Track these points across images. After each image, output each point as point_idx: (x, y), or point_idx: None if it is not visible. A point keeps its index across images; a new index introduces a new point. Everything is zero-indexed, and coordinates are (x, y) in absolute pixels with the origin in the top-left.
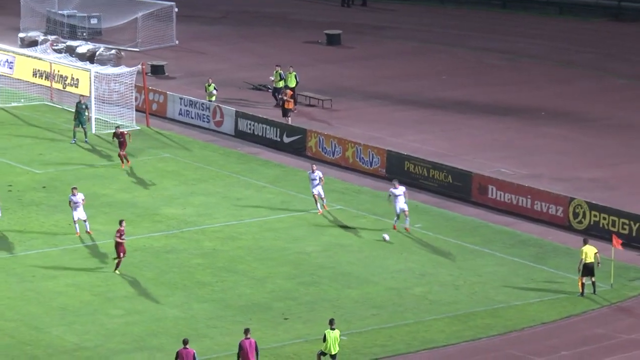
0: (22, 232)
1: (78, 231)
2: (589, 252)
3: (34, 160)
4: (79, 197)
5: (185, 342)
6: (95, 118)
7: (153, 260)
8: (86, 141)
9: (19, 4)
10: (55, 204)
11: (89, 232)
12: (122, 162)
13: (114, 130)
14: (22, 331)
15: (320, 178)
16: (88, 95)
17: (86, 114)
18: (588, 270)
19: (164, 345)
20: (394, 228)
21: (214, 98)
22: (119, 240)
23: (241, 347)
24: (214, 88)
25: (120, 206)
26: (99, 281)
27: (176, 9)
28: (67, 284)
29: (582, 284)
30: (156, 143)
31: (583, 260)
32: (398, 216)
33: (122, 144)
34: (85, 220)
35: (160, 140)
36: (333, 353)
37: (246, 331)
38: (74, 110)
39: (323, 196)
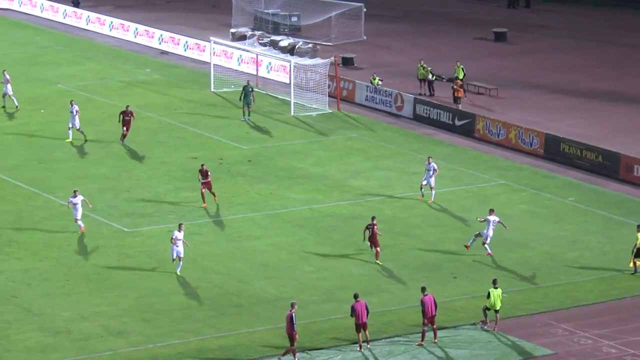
0: (230, 198)
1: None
2: None
3: (242, 138)
4: (79, 198)
5: (355, 296)
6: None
7: (341, 225)
8: (249, 119)
9: (231, 4)
10: (258, 175)
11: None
12: (123, 138)
13: (123, 109)
14: (229, 283)
15: (434, 169)
16: (254, 77)
17: (252, 95)
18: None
19: (349, 299)
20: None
21: None
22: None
23: (353, 309)
24: (379, 80)
25: (313, 178)
26: (295, 242)
27: (365, 9)
28: (268, 244)
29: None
30: (345, 124)
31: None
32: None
33: (126, 123)
34: (78, 220)
35: (349, 122)
36: (497, 308)
37: (356, 295)
38: (241, 92)
39: (433, 186)
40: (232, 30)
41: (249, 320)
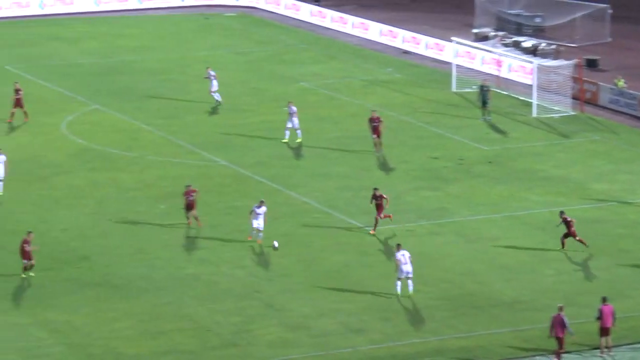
0: (470, 199)
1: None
2: None
3: (482, 139)
4: (262, 209)
5: (604, 299)
6: (537, 104)
7: (582, 229)
8: (488, 119)
9: (474, 4)
10: (498, 177)
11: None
12: (377, 147)
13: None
14: (467, 284)
15: None
16: (490, 78)
17: (488, 94)
18: None
19: (590, 303)
20: None
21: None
22: None
23: (601, 312)
24: (624, 83)
25: (554, 180)
26: (535, 244)
27: (610, 10)
28: (507, 245)
29: None
30: (588, 127)
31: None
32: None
33: (375, 130)
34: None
35: (592, 124)
36: None
37: (604, 299)
38: (478, 92)
39: None
40: (475, 30)
41: (487, 322)
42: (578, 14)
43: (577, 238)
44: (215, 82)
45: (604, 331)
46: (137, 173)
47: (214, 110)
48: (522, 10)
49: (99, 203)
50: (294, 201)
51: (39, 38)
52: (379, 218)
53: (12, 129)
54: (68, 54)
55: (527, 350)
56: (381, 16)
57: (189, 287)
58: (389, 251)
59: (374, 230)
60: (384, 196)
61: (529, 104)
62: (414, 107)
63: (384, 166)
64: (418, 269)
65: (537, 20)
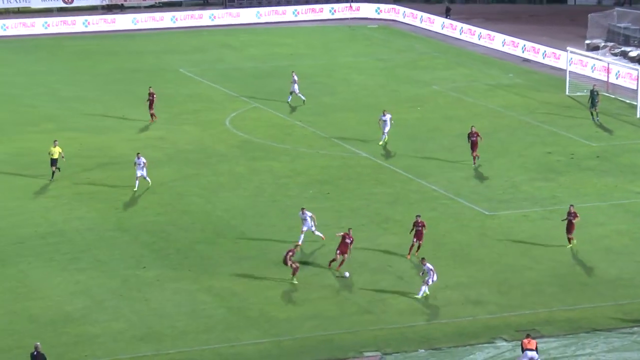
0: (578, 189)
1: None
2: None
3: (591, 136)
4: (142, 160)
5: None
6: None
7: None
8: (597, 120)
9: (587, 19)
10: (605, 170)
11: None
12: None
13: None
14: (575, 264)
15: None
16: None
17: (598, 98)
18: None
19: None
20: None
21: None
22: None
23: None
24: None
25: None
26: (636, 229)
27: None
28: (611, 230)
29: None
30: None
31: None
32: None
33: (474, 145)
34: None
35: None
36: None
37: None
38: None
39: None
40: (587, 41)
41: (591, 296)
42: None
43: (569, 236)
44: (296, 86)
45: None
46: (289, 162)
47: (295, 109)
48: (629, 24)
49: (257, 187)
50: (425, 189)
51: (209, 45)
52: (415, 243)
53: (184, 123)
54: (233, 60)
55: (627, 321)
56: (504, 28)
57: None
58: (507, 233)
59: (409, 254)
60: (424, 224)
61: (634, 107)
62: (532, 108)
63: (504, 159)
64: (531, 249)
65: None
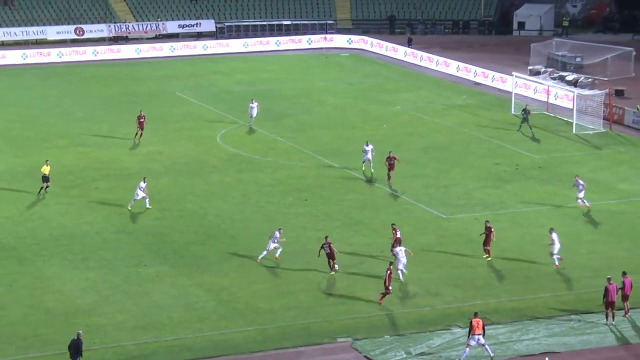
0: (523, 195)
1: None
2: None
3: (533, 149)
4: (144, 184)
5: (624, 273)
6: (576, 124)
7: (609, 219)
8: (532, 132)
9: (530, 48)
10: (545, 179)
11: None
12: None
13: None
14: (520, 260)
15: None
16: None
17: (528, 117)
18: None
19: (614, 275)
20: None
21: None
22: None
23: (623, 283)
24: None
25: (589, 182)
26: (572, 230)
27: (634, 52)
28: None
29: None
30: (615, 141)
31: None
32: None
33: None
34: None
35: (619, 139)
36: None
37: (624, 273)
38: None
39: None
40: (530, 67)
41: (535, 288)
42: (609, 55)
43: (486, 247)
44: (254, 111)
45: (625, 297)
46: (271, 173)
47: (250, 130)
48: (566, 52)
49: (244, 195)
50: (390, 195)
51: (203, 71)
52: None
53: (179, 138)
54: (223, 84)
55: (565, 310)
56: (458, 56)
57: (310, 258)
58: (461, 234)
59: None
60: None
61: (570, 124)
62: (482, 125)
63: (459, 169)
64: (482, 248)
65: (578, 60)
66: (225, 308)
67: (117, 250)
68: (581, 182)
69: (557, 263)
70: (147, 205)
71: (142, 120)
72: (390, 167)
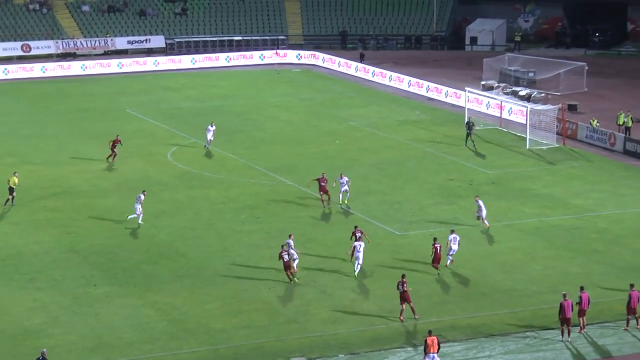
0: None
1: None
2: None
3: (488, 165)
4: (141, 198)
5: (582, 287)
6: (529, 139)
7: (564, 234)
8: (474, 146)
9: (482, 63)
10: (500, 194)
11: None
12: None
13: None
14: (475, 276)
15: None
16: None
17: (473, 129)
18: None
19: (569, 291)
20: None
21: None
22: None
23: (580, 298)
24: (597, 122)
25: (542, 197)
26: (527, 246)
27: (586, 67)
28: (506, 247)
29: None
30: (569, 156)
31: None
32: None
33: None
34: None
35: (572, 154)
36: None
37: (582, 287)
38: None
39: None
40: (483, 82)
41: (490, 305)
42: (562, 70)
43: (435, 265)
44: (211, 134)
45: (582, 313)
46: (223, 190)
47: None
48: (519, 67)
49: (195, 213)
50: (343, 212)
51: (153, 88)
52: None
53: (129, 156)
54: (173, 100)
55: (520, 327)
56: (411, 71)
57: (262, 277)
58: (416, 251)
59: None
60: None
61: (524, 139)
62: (436, 140)
63: (413, 185)
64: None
65: (531, 75)
66: (177, 328)
67: (67, 270)
68: (480, 202)
69: (448, 263)
70: (139, 221)
71: (117, 144)
72: (322, 189)
